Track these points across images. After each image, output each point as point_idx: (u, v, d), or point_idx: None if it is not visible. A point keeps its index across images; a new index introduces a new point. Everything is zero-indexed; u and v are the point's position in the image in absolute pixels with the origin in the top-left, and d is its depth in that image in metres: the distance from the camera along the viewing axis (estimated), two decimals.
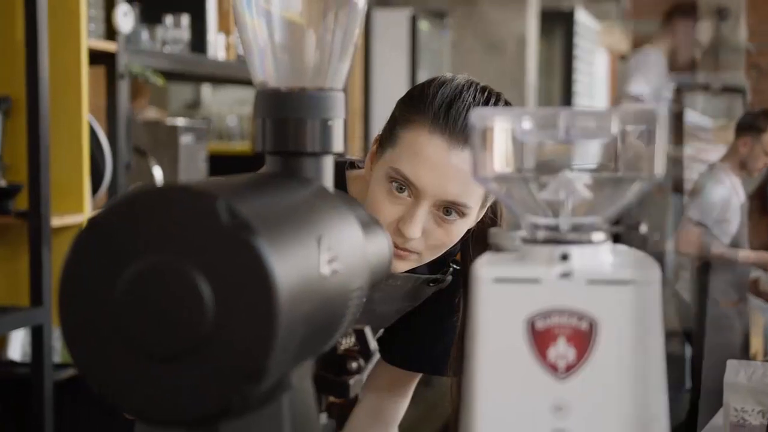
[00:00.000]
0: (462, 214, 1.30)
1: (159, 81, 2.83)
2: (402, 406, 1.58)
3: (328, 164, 0.81)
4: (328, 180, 0.81)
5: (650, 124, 0.68)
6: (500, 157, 0.71)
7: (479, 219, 1.38)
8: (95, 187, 2.71)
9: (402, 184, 1.29)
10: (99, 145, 2.68)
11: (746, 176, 3.89)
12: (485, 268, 0.69)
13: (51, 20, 2.49)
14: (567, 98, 7.71)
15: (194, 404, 0.63)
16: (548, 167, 0.72)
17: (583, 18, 7.85)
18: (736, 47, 9.92)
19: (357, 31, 0.84)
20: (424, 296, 1.49)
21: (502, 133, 0.70)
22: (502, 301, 0.69)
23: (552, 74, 7.66)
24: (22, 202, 2.48)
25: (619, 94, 4.60)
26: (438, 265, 1.45)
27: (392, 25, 5.00)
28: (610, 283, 0.67)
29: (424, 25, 5.17)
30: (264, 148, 0.80)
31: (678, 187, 5.00)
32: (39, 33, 2.42)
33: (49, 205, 2.43)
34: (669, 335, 4.11)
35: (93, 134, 2.67)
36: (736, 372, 2.01)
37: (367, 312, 1.44)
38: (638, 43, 10.14)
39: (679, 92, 4.83)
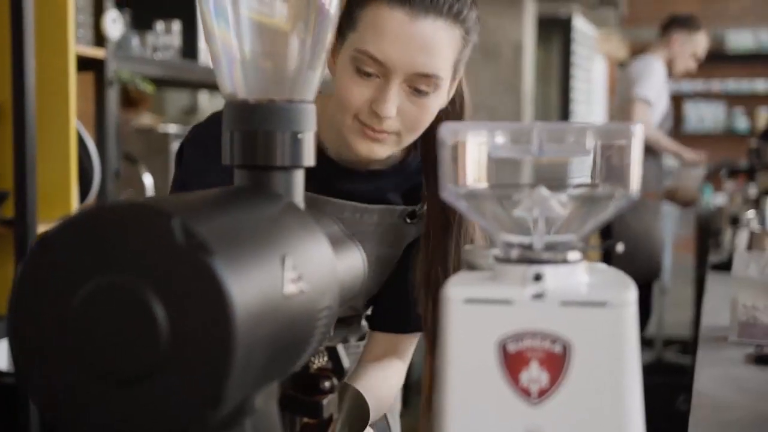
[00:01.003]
0: (435, 87, 1.28)
1: (148, 88, 2.80)
2: (403, 371, 1.53)
3: (298, 178, 0.79)
4: (299, 195, 0.79)
5: (626, 141, 0.65)
6: (472, 173, 0.68)
7: (451, 96, 1.36)
8: (83, 194, 2.68)
9: (368, 64, 1.26)
10: (87, 152, 2.65)
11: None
12: (455, 289, 0.67)
13: (38, 26, 2.46)
14: (564, 105, 7.69)
15: (150, 430, 0.60)
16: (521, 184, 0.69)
17: (580, 25, 7.83)
18: None
19: (329, 39, 0.82)
20: (404, 242, 1.46)
21: (474, 147, 0.68)
22: (472, 323, 0.66)
23: (549, 81, 7.64)
24: (8, 210, 2.45)
25: (624, 97, 4.61)
26: (412, 199, 1.44)
27: None
28: (584, 305, 0.65)
29: None
30: (233, 161, 0.77)
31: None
32: (26, 38, 2.39)
33: (35, 213, 2.40)
34: None
35: (81, 141, 2.64)
36: (745, 265, 1.88)
37: None
38: (636, 50, 10.14)
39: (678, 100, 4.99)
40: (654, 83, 4.60)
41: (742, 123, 10.37)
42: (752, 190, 4.11)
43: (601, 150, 0.67)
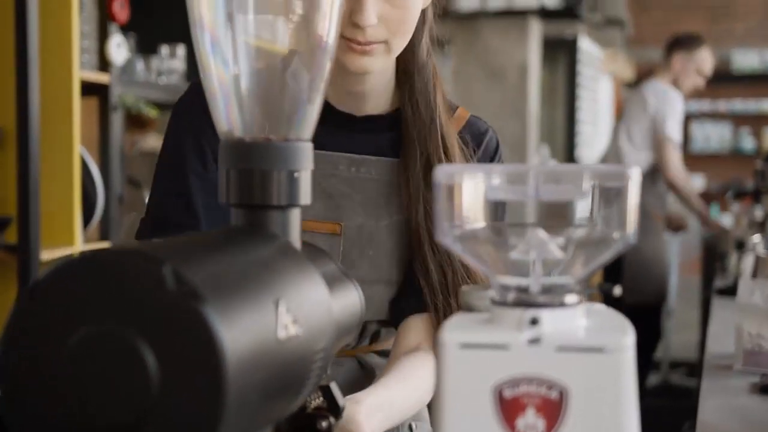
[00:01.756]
0: None
1: (152, 113, 2.81)
2: None
3: (294, 218, 0.78)
4: (295, 234, 0.78)
5: (622, 183, 0.65)
6: (467, 215, 0.68)
7: None
8: (87, 219, 2.68)
9: None
10: (91, 177, 2.65)
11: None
12: (451, 333, 0.66)
13: (43, 51, 2.47)
14: (570, 126, 7.68)
15: None
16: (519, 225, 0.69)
17: (586, 45, 7.83)
18: None
19: (326, 76, 0.82)
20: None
21: (470, 189, 0.67)
22: (468, 368, 0.65)
23: (555, 101, 7.64)
24: (11, 235, 2.45)
25: (658, 136, 4.59)
26: None
27: None
28: (582, 351, 0.64)
29: None
30: (228, 200, 0.77)
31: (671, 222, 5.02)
32: (30, 64, 2.39)
33: (38, 239, 2.40)
34: None
35: (85, 166, 2.64)
36: (750, 292, 1.84)
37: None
38: (642, 70, 10.15)
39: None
40: (679, 119, 4.63)
41: (748, 143, 10.36)
42: (758, 212, 4.10)
43: (599, 192, 0.66)
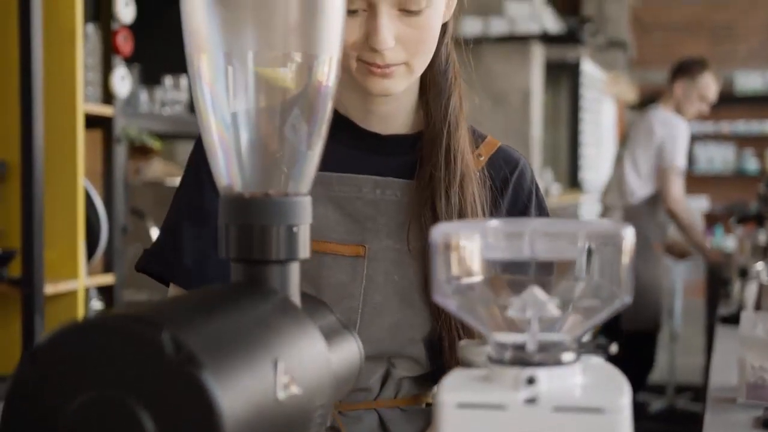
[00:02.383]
0: (426, 1, 1.21)
1: (155, 144, 2.82)
2: None
3: (294, 272, 0.79)
4: (294, 288, 0.79)
5: (617, 243, 0.65)
6: (463, 273, 0.68)
7: (451, 7, 1.29)
8: (91, 251, 2.69)
9: (349, 1, 1.18)
10: (94, 209, 2.66)
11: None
12: (449, 394, 0.66)
13: (47, 84, 2.48)
14: (573, 149, 7.70)
15: None
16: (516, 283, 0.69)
17: (589, 68, 7.86)
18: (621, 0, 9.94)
19: (324, 128, 0.82)
20: None
21: (466, 248, 0.68)
22: (466, 428, 0.66)
23: (558, 125, 7.66)
24: (15, 269, 2.46)
25: (662, 166, 4.59)
26: None
27: None
28: (578, 411, 0.64)
29: None
30: (228, 254, 0.78)
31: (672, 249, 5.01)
32: (34, 97, 2.41)
33: (42, 273, 2.41)
34: None
35: (89, 199, 2.65)
36: (752, 324, 1.83)
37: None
38: (645, 92, 10.17)
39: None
40: (685, 147, 4.66)
41: (752, 164, 10.38)
42: (762, 236, 4.09)
43: (595, 251, 0.67)
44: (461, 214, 1.28)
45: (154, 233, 3.05)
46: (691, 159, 10.56)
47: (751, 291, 2.89)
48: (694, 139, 10.51)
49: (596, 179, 7.95)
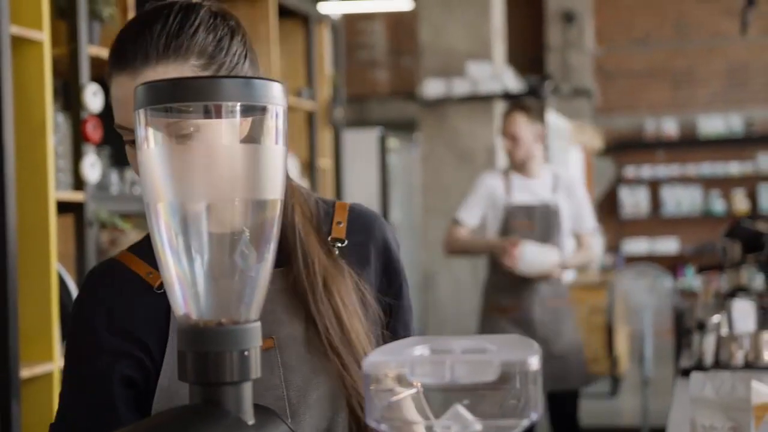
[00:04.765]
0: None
1: (126, 226, 2.90)
2: None
3: (246, 391, 0.88)
4: (247, 405, 0.87)
5: (524, 369, 0.75)
6: (392, 399, 0.77)
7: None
8: (65, 334, 2.76)
9: (126, 134, 1.24)
10: (68, 291, 2.74)
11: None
12: None
13: (19, 173, 2.56)
14: None
15: None
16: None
17: (554, 119, 8.01)
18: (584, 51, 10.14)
19: (271, 257, 0.91)
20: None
21: (394, 376, 0.77)
22: None
23: None
24: None
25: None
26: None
27: (362, 143, 5.12)
28: None
29: (393, 142, 5.30)
30: (186, 378, 0.87)
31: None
32: (7, 186, 2.49)
33: (17, 358, 2.48)
34: None
35: (62, 283, 2.72)
36: (701, 385, 1.89)
37: None
38: (610, 138, 10.35)
39: None
40: (468, 203, 4.39)
41: (718, 205, 10.56)
42: (723, 284, 4.19)
43: (507, 378, 0.76)
44: (338, 318, 1.34)
45: None
46: (659, 202, 10.75)
47: (709, 344, 2.98)
48: (662, 182, 10.70)
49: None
